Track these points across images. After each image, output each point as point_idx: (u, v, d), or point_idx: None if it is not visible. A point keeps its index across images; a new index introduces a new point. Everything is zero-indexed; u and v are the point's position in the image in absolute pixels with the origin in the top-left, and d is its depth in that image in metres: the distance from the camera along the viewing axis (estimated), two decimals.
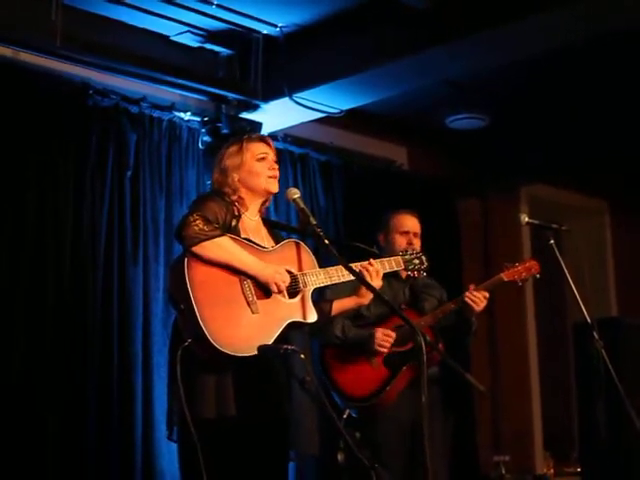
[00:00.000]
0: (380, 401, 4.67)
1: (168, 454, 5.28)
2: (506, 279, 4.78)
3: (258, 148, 4.00)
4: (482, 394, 4.25)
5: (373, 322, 4.76)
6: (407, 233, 4.99)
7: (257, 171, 3.95)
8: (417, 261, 4.34)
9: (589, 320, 4.54)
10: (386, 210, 5.17)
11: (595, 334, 4.53)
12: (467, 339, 5.05)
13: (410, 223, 5.04)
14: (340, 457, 3.51)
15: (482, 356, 7.66)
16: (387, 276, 4.47)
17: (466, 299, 4.72)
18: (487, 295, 4.74)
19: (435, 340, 4.72)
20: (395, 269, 4.26)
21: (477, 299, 4.72)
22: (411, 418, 4.47)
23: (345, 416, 4.63)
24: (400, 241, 4.96)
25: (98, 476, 5.15)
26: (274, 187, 3.99)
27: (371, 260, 4.07)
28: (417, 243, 4.97)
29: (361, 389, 4.70)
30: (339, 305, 4.13)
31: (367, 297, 4.07)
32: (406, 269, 4.31)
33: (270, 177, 3.97)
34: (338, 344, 4.75)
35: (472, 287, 4.76)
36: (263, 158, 3.98)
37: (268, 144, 4.05)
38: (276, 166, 4.02)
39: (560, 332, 8.96)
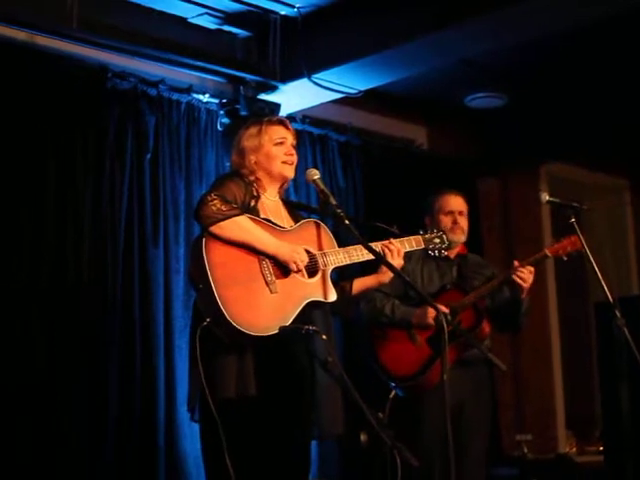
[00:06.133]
0: (425, 381, 4.65)
1: (191, 436, 5.31)
2: (550, 254, 4.74)
3: (277, 132, 3.99)
4: (504, 373, 4.23)
5: (419, 302, 4.73)
6: (452, 213, 4.97)
7: (274, 155, 3.94)
8: (438, 240, 4.25)
9: (611, 299, 4.51)
10: (430, 192, 5.13)
11: (617, 313, 4.50)
12: (518, 319, 4.93)
13: (454, 202, 5.01)
14: (363, 437, 3.51)
15: (503, 336, 7.63)
16: (435, 258, 4.50)
17: (513, 277, 4.69)
18: (532, 270, 4.70)
19: (478, 319, 4.71)
20: (415, 248, 4.22)
21: (524, 275, 4.69)
22: (456, 399, 4.30)
23: (391, 396, 4.61)
24: (445, 221, 4.94)
25: (121, 458, 5.18)
26: (289, 172, 3.98)
27: (391, 239, 4.03)
28: (463, 222, 4.97)
29: (405, 368, 4.71)
30: (360, 284, 4.09)
31: (387, 275, 4.05)
32: (426, 248, 4.27)
33: (285, 162, 3.96)
34: (385, 323, 4.75)
35: (516, 264, 4.72)
36: (281, 143, 3.97)
37: (287, 128, 4.03)
38: (293, 152, 4.00)
39: (582, 311, 8.93)
